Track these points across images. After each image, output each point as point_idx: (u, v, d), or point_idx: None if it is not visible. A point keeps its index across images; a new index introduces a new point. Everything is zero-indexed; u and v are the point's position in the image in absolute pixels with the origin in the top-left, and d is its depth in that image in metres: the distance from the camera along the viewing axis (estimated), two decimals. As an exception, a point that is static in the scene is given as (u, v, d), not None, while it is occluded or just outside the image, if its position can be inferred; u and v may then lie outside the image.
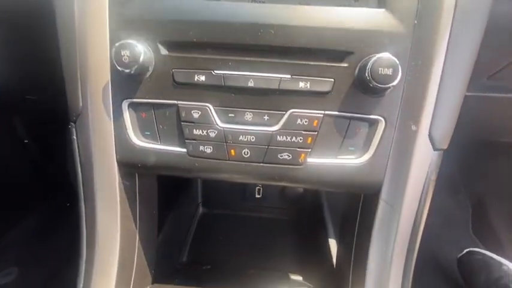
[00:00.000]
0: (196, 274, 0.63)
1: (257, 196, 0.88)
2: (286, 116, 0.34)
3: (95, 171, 0.37)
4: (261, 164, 0.35)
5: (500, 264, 0.99)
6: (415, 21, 0.31)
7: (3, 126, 1.20)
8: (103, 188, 0.38)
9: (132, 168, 0.38)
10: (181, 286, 0.46)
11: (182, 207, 0.80)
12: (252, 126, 0.34)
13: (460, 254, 1.08)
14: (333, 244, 0.58)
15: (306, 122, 0.33)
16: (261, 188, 0.86)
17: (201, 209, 0.87)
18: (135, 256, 0.45)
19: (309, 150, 0.34)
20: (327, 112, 0.33)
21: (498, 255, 0.99)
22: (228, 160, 0.35)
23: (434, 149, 0.34)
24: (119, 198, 0.38)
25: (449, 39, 0.31)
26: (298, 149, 0.34)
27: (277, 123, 0.34)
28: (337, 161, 0.35)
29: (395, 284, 0.37)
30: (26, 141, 1.36)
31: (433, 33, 0.31)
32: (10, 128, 1.25)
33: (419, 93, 0.32)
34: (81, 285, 0.39)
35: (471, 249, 1.07)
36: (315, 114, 0.33)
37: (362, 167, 0.34)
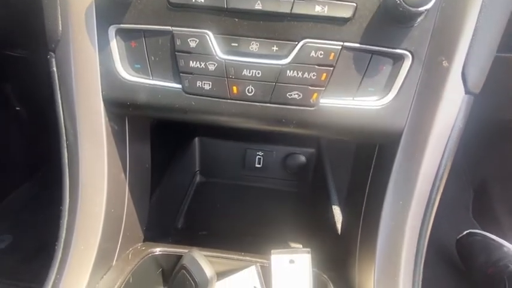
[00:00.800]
0: (191, 238, 0.60)
1: (257, 165, 0.84)
2: (298, 47, 0.29)
3: (77, 109, 0.33)
4: (267, 105, 0.31)
5: (501, 245, 0.98)
6: None
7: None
8: (87, 129, 0.33)
9: (120, 107, 0.33)
10: (176, 246, 0.43)
11: (178, 175, 0.76)
12: (257, 59, 0.29)
13: (460, 236, 1.07)
14: (337, 213, 0.55)
15: (321, 54, 0.29)
16: (262, 157, 0.83)
17: (198, 178, 0.83)
18: (124, 211, 0.41)
19: (323, 89, 0.30)
20: (345, 44, 0.29)
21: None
22: (230, 99, 0.31)
23: (466, 91, 0.30)
24: (106, 142, 0.34)
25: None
26: (310, 87, 0.30)
27: (287, 55, 0.29)
28: (354, 103, 0.30)
29: (411, 246, 0.34)
30: (17, 108, 1.32)
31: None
32: (1, 94, 1.20)
33: (455, 22, 0.28)
34: (63, 238, 0.35)
35: (471, 230, 1.05)
36: (331, 46, 0.29)
37: (382, 110, 0.30)
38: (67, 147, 0.35)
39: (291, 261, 0.41)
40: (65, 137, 0.34)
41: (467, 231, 1.06)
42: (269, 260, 0.41)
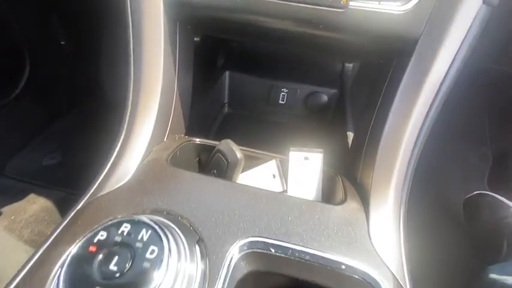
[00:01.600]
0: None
1: (281, 102, 0.90)
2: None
3: (142, 7, 0.39)
4: (302, 5, 0.35)
5: (509, 206, 0.97)
6: None
7: (41, 25, 1.24)
8: (149, 30, 0.40)
9: (177, 7, 0.40)
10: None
11: (208, 104, 0.84)
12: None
13: (469, 195, 1.08)
14: (350, 135, 0.61)
15: (354, -42, 0.33)
16: (286, 94, 0.88)
17: (226, 109, 0.91)
18: (172, 107, 0.49)
19: (353, -9, 0.34)
20: None
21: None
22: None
23: (484, 1, 0.33)
24: (163, 43, 0.41)
25: None
26: (342, -11, 0.34)
27: (324, -42, 0.33)
28: (379, 7, 0.34)
29: (405, 156, 0.39)
30: (62, 42, 1.42)
31: None
32: (48, 27, 1.29)
33: None
34: (125, 125, 0.44)
35: (482, 192, 1.05)
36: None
37: (404, 16, 0.34)
38: (132, 42, 0.42)
39: (306, 158, 0.48)
40: (131, 34, 0.41)
41: (478, 192, 1.07)
42: (287, 156, 0.49)
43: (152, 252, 0.25)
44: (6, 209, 1.02)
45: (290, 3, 0.36)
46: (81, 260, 0.24)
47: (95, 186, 0.38)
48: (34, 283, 0.28)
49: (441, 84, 0.37)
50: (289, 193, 0.48)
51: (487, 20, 0.35)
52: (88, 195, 0.37)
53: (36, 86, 1.30)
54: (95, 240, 0.25)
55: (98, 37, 1.32)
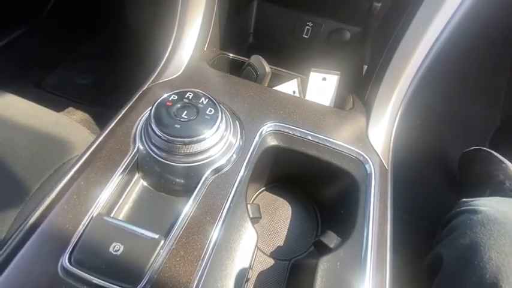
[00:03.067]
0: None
1: (304, 36, 0.94)
2: None
3: None
4: None
5: (501, 162, 1.03)
6: None
7: None
8: None
9: None
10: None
11: (234, 32, 0.89)
12: None
13: (466, 150, 1.14)
14: (365, 68, 0.67)
15: None
16: (310, 28, 0.91)
17: (251, 39, 0.96)
18: (212, 24, 0.56)
19: None
20: None
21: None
22: None
23: None
24: None
25: None
26: None
27: None
28: None
29: (407, 77, 0.47)
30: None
31: None
32: None
33: None
34: (175, 29, 0.51)
35: (480, 147, 1.11)
36: None
37: None
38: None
39: (324, 79, 0.56)
40: None
41: (476, 147, 1.13)
42: (308, 75, 0.56)
43: (210, 111, 0.35)
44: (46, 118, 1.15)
45: None
46: (163, 107, 0.34)
47: (153, 76, 0.47)
48: (119, 133, 0.39)
49: (445, 26, 0.43)
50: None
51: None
52: (149, 81, 0.46)
53: (61, 12, 1.34)
54: (170, 99, 0.35)
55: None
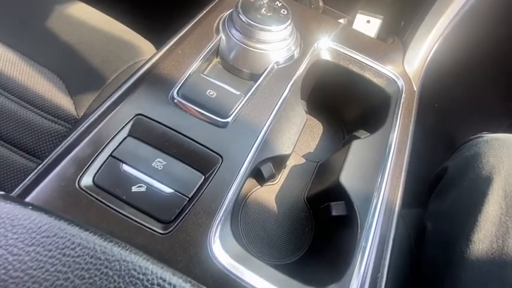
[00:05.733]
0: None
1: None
2: None
3: None
4: None
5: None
6: None
7: None
8: None
9: None
10: None
11: None
12: None
13: (476, 136, 1.20)
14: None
15: None
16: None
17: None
18: None
19: None
20: None
21: None
22: None
23: None
24: None
25: None
26: None
27: None
28: None
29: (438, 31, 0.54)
30: None
31: None
32: None
33: None
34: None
35: (485, 133, 1.17)
36: None
37: None
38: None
39: (368, 21, 0.63)
40: None
41: (486, 133, 1.19)
42: (354, 17, 0.63)
43: (283, 12, 0.43)
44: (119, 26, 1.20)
45: None
46: (247, 1, 0.42)
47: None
48: (204, 24, 0.47)
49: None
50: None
51: None
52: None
53: None
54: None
55: None
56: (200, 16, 0.49)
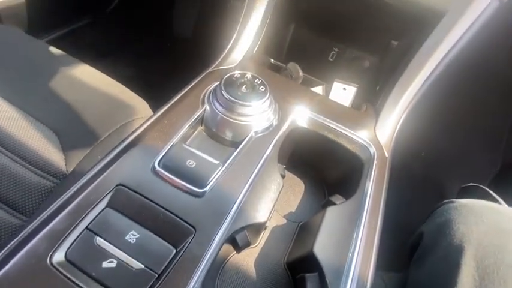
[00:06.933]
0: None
1: (330, 59, 1.10)
2: None
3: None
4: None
5: (496, 200, 1.11)
6: None
7: None
8: None
9: None
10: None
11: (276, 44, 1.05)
12: None
13: (465, 185, 1.23)
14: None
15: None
16: (335, 53, 1.07)
17: (285, 51, 1.12)
18: (263, 33, 0.71)
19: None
20: None
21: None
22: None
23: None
24: None
25: None
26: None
27: None
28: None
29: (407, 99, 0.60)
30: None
31: None
32: None
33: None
34: (237, 30, 0.66)
35: (477, 184, 1.20)
36: None
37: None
38: None
39: (344, 89, 0.70)
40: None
41: (474, 184, 1.22)
42: (331, 84, 0.70)
43: (262, 88, 0.48)
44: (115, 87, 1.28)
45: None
46: (231, 78, 0.48)
47: (214, 65, 0.61)
48: (191, 96, 0.52)
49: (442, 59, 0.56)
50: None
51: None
52: (210, 68, 0.60)
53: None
54: (235, 75, 0.49)
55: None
56: (188, 88, 0.54)
